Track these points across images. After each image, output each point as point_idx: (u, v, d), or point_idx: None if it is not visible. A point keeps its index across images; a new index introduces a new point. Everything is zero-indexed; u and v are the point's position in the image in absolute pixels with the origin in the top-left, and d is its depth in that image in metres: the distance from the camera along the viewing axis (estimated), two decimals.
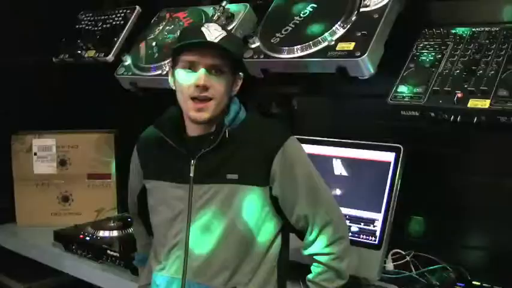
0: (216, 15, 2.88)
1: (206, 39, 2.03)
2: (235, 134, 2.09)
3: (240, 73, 2.18)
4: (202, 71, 2.03)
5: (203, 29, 2.06)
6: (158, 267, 2.21)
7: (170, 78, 2.18)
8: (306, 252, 2.14)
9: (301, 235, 2.16)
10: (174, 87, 2.15)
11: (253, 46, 2.63)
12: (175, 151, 2.13)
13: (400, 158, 2.44)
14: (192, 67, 2.05)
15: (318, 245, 2.10)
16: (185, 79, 2.06)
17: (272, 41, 2.59)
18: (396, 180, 2.43)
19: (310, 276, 2.13)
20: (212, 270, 2.09)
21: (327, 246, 2.09)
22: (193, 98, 2.05)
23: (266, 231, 2.12)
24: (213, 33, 2.05)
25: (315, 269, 2.12)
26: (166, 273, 2.17)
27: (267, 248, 2.13)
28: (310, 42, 2.45)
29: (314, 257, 2.12)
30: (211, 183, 2.08)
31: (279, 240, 2.17)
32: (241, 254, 2.09)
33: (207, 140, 2.10)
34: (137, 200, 2.38)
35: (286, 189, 2.09)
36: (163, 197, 2.19)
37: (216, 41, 2.03)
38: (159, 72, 2.94)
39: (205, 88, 2.03)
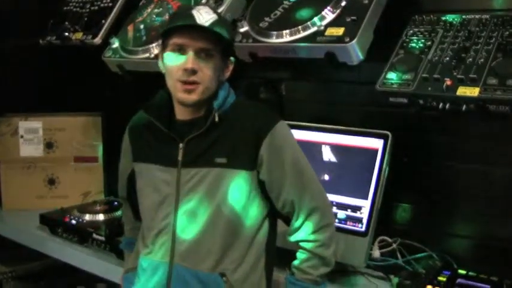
0: None
1: (196, 22, 2.01)
2: (225, 118, 2.09)
3: (231, 58, 2.17)
4: (190, 54, 2.02)
5: (194, 11, 2.04)
6: (145, 251, 2.21)
7: (160, 62, 2.16)
8: (292, 238, 2.14)
9: (287, 221, 2.16)
10: (163, 71, 2.14)
11: (241, 30, 2.61)
12: (164, 135, 2.13)
13: (388, 145, 2.43)
14: (181, 50, 2.03)
15: (304, 232, 2.10)
16: (174, 62, 2.05)
17: (261, 25, 2.56)
18: (384, 167, 2.42)
19: (295, 262, 2.13)
20: (199, 254, 2.09)
21: (313, 233, 2.09)
22: (182, 81, 2.04)
23: (253, 216, 2.12)
24: (204, 16, 2.03)
25: (301, 255, 2.12)
26: (153, 257, 2.17)
27: (254, 233, 2.13)
28: (299, 27, 2.43)
29: (300, 243, 2.12)
30: (199, 167, 2.08)
31: (266, 226, 2.17)
32: (228, 239, 2.09)
33: (196, 124, 2.10)
34: (127, 183, 2.38)
35: (274, 173, 2.08)
36: (151, 180, 2.19)
37: (206, 24, 2.01)
38: (146, 55, 2.90)
39: (193, 72, 2.02)
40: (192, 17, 2.02)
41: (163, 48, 2.11)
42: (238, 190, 2.07)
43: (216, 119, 2.07)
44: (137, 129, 2.28)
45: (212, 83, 2.07)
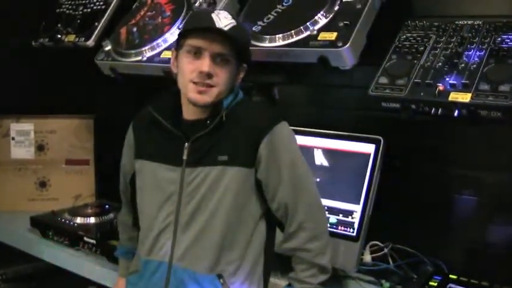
0: (198, 1, 2.85)
1: (215, 25, 2.02)
2: (229, 117, 2.09)
3: (244, 64, 2.18)
4: (206, 57, 2.03)
5: (213, 15, 2.06)
6: (146, 252, 2.20)
7: (172, 60, 2.17)
8: (286, 245, 2.13)
9: (282, 227, 2.16)
10: (175, 70, 2.16)
11: None
12: (170, 133, 2.14)
13: (380, 150, 2.43)
14: (197, 52, 2.04)
15: (299, 240, 2.09)
16: (189, 64, 2.06)
17: (254, 29, 2.56)
18: (376, 172, 2.42)
19: (293, 274, 2.13)
20: (196, 254, 2.09)
21: (308, 242, 2.08)
22: (195, 82, 2.05)
23: (250, 213, 2.12)
24: (222, 21, 2.04)
25: (298, 266, 2.12)
26: (154, 257, 2.17)
27: (251, 233, 2.13)
28: (292, 31, 2.42)
29: (296, 253, 2.11)
30: (202, 165, 2.09)
31: (263, 226, 2.16)
32: (226, 238, 2.08)
33: (203, 124, 2.10)
34: (130, 185, 2.36)
35: (270, 174, 2.08)
36: (154, 179, 2.19)
37: (225, 29, 2.03)
38: (139, 58, 2.89)
39: (208, 75, 2.03)
40: (211, 20, 2.03)
41: (178, 48, 2.12)
42: (236, 187, 2.07)
43: (224, 118, 2.07)
44: (142, 125, 2.28)
45: (225, 88, 2.09)
